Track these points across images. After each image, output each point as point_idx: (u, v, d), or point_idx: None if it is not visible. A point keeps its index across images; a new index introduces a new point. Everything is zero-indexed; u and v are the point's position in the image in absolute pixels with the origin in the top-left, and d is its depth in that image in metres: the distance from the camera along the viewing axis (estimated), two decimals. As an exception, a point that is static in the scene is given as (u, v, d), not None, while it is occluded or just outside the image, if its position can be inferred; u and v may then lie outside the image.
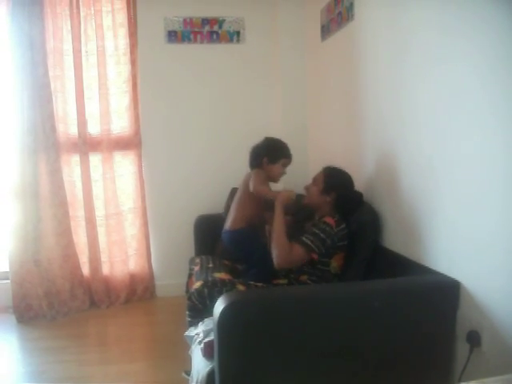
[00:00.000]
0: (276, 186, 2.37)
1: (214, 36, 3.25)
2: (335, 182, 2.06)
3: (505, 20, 1.32)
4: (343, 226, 1.99)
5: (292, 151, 2.33)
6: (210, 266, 2.35)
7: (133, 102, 3.16)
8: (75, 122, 3.08)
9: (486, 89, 1.40)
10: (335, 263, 2.00)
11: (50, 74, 2.98)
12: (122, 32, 3.11)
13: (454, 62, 1.54)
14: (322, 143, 2.96)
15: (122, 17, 3.10)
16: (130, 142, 3.20)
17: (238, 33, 3.27)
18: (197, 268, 2.39)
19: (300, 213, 2.24)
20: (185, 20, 3.21)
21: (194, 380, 1.65)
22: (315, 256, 1.95)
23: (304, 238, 1.95)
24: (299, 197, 2.19)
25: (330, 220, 1.98)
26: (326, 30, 2.75)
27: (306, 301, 1.53)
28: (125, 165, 3.22)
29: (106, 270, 3.21)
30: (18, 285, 2.99)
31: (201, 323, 1.79)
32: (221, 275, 2.15)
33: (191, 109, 3.27)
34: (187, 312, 1.97)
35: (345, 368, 1.53)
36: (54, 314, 3.00)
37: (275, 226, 2.01)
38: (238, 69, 3.30)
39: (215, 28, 3.25)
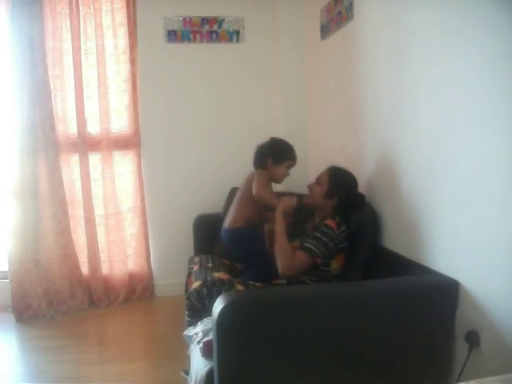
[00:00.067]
0: (277, 186, 2.37)
1: (214, 35, 3.25)
2: (340, 186, 2.03)
3: (505, 20, 1.31)
4: (344, 227, 1.98)
5: (292, 151, 2.32)
6: (209, 265, 2.35)
7: (132, 101, 3.16)
8: (75, 122, 3.07)
9: (486, 89, 1.40)
10: (336, 264, 2.00)
11: (50, 73, 2.98)
12: (122, 31, 3.11)
13: (453, 61, 1.53)
14: (321, 143, 2.96)
15: (121, 16, 3.10)
16: (130, 142, 3.20)
17: (238, 32, 3.27)
18: (196, 267, 2.39)
19: (300, 212, 2.23)
20: (184, 19, 3.21)
21: (193, 379, 1.65)
22: (319, 260, 1.95)
23: (307, 244, 1.93)
24: (300, 196, 2.18)
25: (331, 223, 1.97)
26: (326, 30, 2.75)
27: (304, 300, 1.53)
28: (124, 164, 3.22)
29: (105, 269, 3.21)
30: (17, 284, 2.99)
31: (200, 323, 1.79)
32: (220, 275, 2.15)
33: (191, 108, 3.27)
34: (186, 312, 1.97)
35: (344, 368, 1.53)
36: (53, 313, 3.00)
37: (277, 234, 2.00)
38: (237, 68, 3.30)
39: (215, 27, 3.25)
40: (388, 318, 1.54)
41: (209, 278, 2.01)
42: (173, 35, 3.21)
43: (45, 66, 2.93)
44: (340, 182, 2.04)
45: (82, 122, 3.07)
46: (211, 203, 3.06)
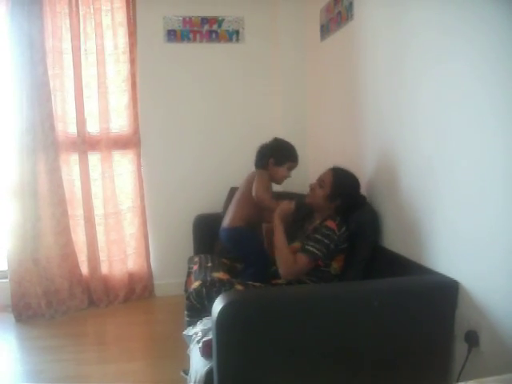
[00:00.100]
0: (277, 186, 2.37)
1: (214, 35, 3.25)
2: (343, 190, 2.02)
3: (505, 20, 1.32)
4: (344, 228, 1.98)
5: (292, 151, 2.32)
6: (209, 265, 2.34)
7: (132, 100, 3.16)
8: (74, 121, 3.07)
9: (485, 89, 1.40)
10: (336, 265, 2.00)
11: (49, 72, 2.97)
12: (122, 31, 3.10)
13: (453, 62, 1.54)
14: (321, 143, 2.96)
15: (121, 16, 3.09)
16: (129, 141, 3.20)
17: (238, 32, 3.26)
18: (195, 267, 2.39)
19: (299, 211, 2.23)
20: (184, 19, 3.21)
21: (193, 379, 1.65)
22: (321, 262, 1.95)
23: (308, 247, 1.93)
24: (300, 196, 2.18)
25: (331, 224, 1.96)
26: (326, 30, 2.75)
27: (304, 300, 1.53)
28: (124, 164, 3.22)
29: (104, 269, 3.21)
30: (16, 283, 2.99)
31: (199, 322, 1.79)
32: (219, 275, 2.14)
33: (190, 108, 3.27)
34: (185, 312, 1.97)
35: (343, 367, 1.53)
36: (52, 312, 3.00)
37: (276, 239, 2.00)
38: (237, 68, 3.29)
39: (214, 27, 3.24)
40: (388, 318, 1.54)
41: (208, 278, 2.01)
42: (172, 35, 3.21)
43: (44, 65, 2.93)
44: (343, 186, 2.03)
45: (81, 121, 3.07)
46: (211, 203, 3.06)
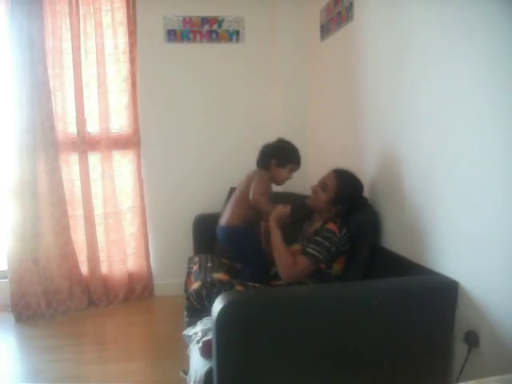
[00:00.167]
0: (277, 187, 2.37)
1: (214, 35, 3.25)
2: (346, 195, 2.01)
3: (505, 20, 1.32)
4: (345, 230, 1.97)
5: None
6: (209, 265, 2.34)
7: (132, 100, 3.16)
8: (74, 121, 3.07)
9: (485, 89, 1.40)
10: (337, 266, 1.99)
11: (49, 72, 2.98)
12: (122, 30, 3.11)
13: (453, 62, 1.54)
14: (321, 143, 2.96)
15: (121, 15, 3.09)
16: (129, 141, 3.20)
17: (238, 32, 3.27)
18: (195, 267, 2.39)
19: (299, 213, 2.23)
20: (184, 19, 3.21)
21: (192, 379, 1.65)
22: (323, 265, 1.94)
23: (309, 249, 1.92)
24: (301, 197, 2.17)
25: (332, 227, 1.96)
26: (326, 30, 2.75)
27: (304, 300, 1.53)
28: (124, 164, 3.22)
29: (104, 268, 3.21)
30: (16, 283, 2.99)
31: (199, 322, 1.79)
32: (219, 276, 2.14)
33: (190, 108, 3.27)
34: (185, 312, 1.97)
35: (343, 367, 1.53)
36: (52, 312, 3.00)
37: (273, 242, 2.00)
38: (237, 68, 3.29)
39: (214, 27, 3.24)
40: (387, 318, 1.54)
41: (208, 279, 2.01)
42: (172, 35, 3.21)
43: (44, 65, 2.93)
44: (347, 191, 2.02)
45: (81, 121, 3.07)
46: (211, 203, 3.06)
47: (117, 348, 2.57)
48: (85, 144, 3.09)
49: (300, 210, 2.21)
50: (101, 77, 3.07)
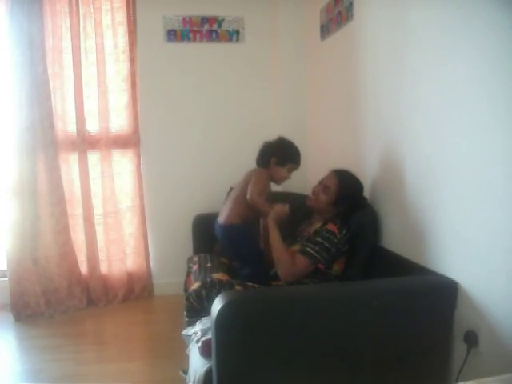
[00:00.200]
0: (276, 186, 2.37)
1: (214, 35, 3.25)
2: (348, 197, 2.01)
3: (505, 20, 1.32)
4: (345, 231, 1.97)
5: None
6: (208, 265, 2.33)
7: (131, 100, 3.16)
8: (74, 120, 3.07)
9: (485, 89, 1.40)
10: (337, 267, 1.99)
11: (49, 71, 2.97)
12: (122, 30, 3.10)
13: (453, 62, 1.54)
14: (321, 143, 2.96)
15: (121, 15, 3.09)
16: (129, 141, 3.20)
17: (238, 32, 3.26)
18: (195, 267, 2.38)
19: (298, 212, 2.23)
20: (184, 19, 3.20)
21: (192, 379, 1.65)
22: (321, 266, 1.94)
23: (308, 249, 1.92)
24: (300, 196, 2.17)
25: (333, 227, 1.96)
26: (326, 30, 2.75)
27: (304, 300, 1.53)
28: (123, 163, 3.22)
29: (103, 268, 3.21)
30: (15, 283, 2.99)
31: (198, 322, 1.79)
32: (219, 276, 2.13)
33: (190, 108, 3.27)
34: (185, 312, 1.97)
35: (342, 367, 1.53)
36: (51, 312, 3.00)
37: (272, 242, 2.00)
38: (237, 68, 3.29)
39: (214, 27, 3.24)
40: (387, 318, 1.54)
41: (208, 280, 2.00)
42: (172, 34, 3.20)
43: (44, 64, 2.93)
44: (348, 193, 2.01)
45: (81, 120, 3.07)
46: (210, 202, 3.06)
47: (116, 347, 2.57)
48: (84, 143, 3.09)
49: (300, 210, 2.21)
50: (100, 76, 3.07)
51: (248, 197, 2.17)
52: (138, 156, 3.22)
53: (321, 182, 2.09)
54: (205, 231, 2.83)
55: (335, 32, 2.59)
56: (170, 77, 3.22)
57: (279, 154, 2.24)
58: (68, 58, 3.04)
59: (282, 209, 2.06)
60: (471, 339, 1.49)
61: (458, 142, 1.53)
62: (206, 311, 1.75)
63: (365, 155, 2.27)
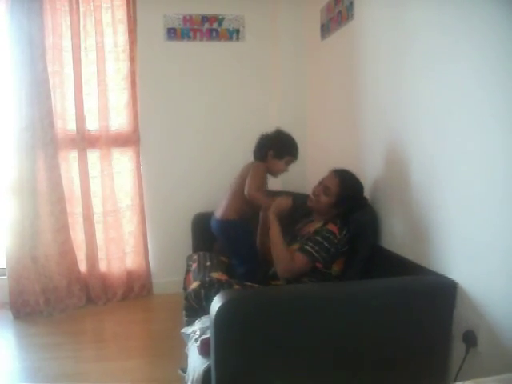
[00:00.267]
0: (275, 186, 2.36)
1: (214, 34, 3.25)
2: (349, 199, 2.00)
3: (505, 20, 1.32)
4: (345, 231, 1.97)
5: (291, 149, 2.31)
6: (208, 264, 2.33)
7: (131, 98, 3.15)
8: (73, 118, 3.06)
9: (485, 89, 1.40)
10: (337, 267, 1.99)
11: (49, 69, 2.97)
12: (122, 28, 3.10)
13: (454, 62, 1.54)
14: (321, 142, 2.96)
15: (121, 13, 3.09)
16: (129, 139, 3.20)
17: (238, 31, 3.26)
18: (194, 265, 2.38)
19: (298, 211, 2.22)
20: (184, 17, 3.20)
21: (190, 378, 1.65)
22: (320, 265, 1.94)
23: (307, 247, 1.92)
24: (299, 196, 2.16)
25: (333, 228, 1.95)
26: (326, 29, 2.74)
27: (303, 299, 1.53)
28: (123, 162, 3.21)
29: (103, 266, 3.21)
30: (14, 281, 2.98)
31: (197, 321, 1.79)
32: (218, 275, 2.13)
33: (190, 107, 3.27)
34: (184, 311, 1.97)
35: (341, 367, 1.53)
36: (50, 310, 3.00)
37: (272, 236, 1.99)
38: (237, 67, 3.29)
39: (215, 26, 3.24)
40: (386, 318, 1.54)
41: (207, 279, 2.00)
42: (173, 33, 3.20)
43: (44, 62, 2.92)
44: (349, 194, 2.00)
45: (80, 119, 3.07)
46: (210, 201, 3.04)
47: (115, 346, 2.57)
48: (84, 142, 3.08)
49: (299, 210, 2.20)
50: (100, 74, 3.07)
51: (246, 193, 2.16)
52: (138, 155, 3.22)
53: (321, 183, 2.07)
54: (204, 230, 2.82)
55: (335, 31, 2.59)
56: (170, 75, 3.22)
57: (276, 147, 2.23)
58: (68, 56, 3.03)
59: (284, 201, 2.04)
60: (470, 339, 1.49)
61: (459, 141, 1.52)
62: (204, 311, 1.75)
63: (365, 155, 2.27)
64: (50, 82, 2.97)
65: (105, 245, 3.20)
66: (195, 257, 2.50)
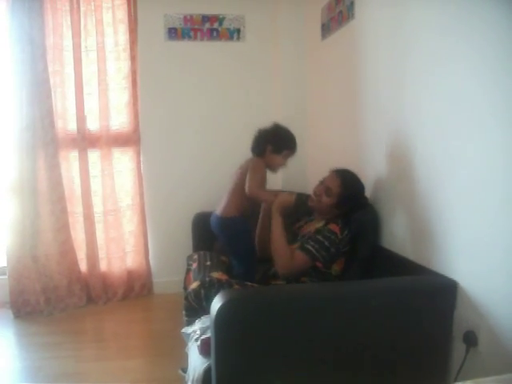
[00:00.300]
0: (275, 186, 2.36)
1: (214, 33, 3.25)
2: (350, 199, 1.99)
3: (504, 21, 1.31)
4: (346, 231, 1.97)
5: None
6: (208, 263, 2.33)
7: (132, 98, 3.16)
8: (74, 118, 3.06)
9: (485, 89, 1.40)
10: (337, 267, 1.99)
11: (50, 69, 2.97)
12: (122, 28, 3.10)
13: (454, 62, 1.53)
14: (321, 141, 2.96)
15: (122, 13, 3.09)
16: (129, 139, 3.20)
17: (239, 30, 3.26)
18: (195, 265, 2.38)
19: (299, 210, 2.21)
20: (185, 17, 3.20)
21: (191, 377, 1.65)
22: (320, 264, 1.94)
23: (308, 246, 1.92)
24: (300, 195, 2.14)
25: (335, 228, 1.95)
26: (327, 29, 2.74)
27: (303, 299, 1.53)
28: (123, 161, 3.21)
29: (103, 266, 3.21)
30: (15, 280, 2.99)
31: (198, 320, 1.79)
32: (218, 275, 2.12)
33: (190, 106, 3.27)
34: (184, 311, 1.97)
35: (341, 367, 1.53)
36: (51, 309, 3.00)
37: (273, 233, 1.98)
38: (237, 67, 3.29)
39: (215, 25, 3.24)
40: (386, 318, 1.54)
41: (207, 279, 1.99)
42: (173, 33, 3.20)
43: (45, 62, 2.92)
44: (350, 195, 1.99)
45: (81, 118, 3.07)
46: (210, 201, 3.03)
47: (115, 345, 2.57)
48: (85, 141, 3.08)
49: (300, 208, 2.19)
50: (101, 74, 3.07)
51: (247, 190, 2.15)
52: (139, 154, 3.22)
53: (322, 183, 2.06)
54: (205, 229, 2.81)
55: (336, 31, 2.59)
56: (171, 75, 3.22)
57: (275, 142, 2.22)
58: (69, 56, 3.03)
59: (288, 198, 2.03)
60: (470, 339, 1.49)
61: (459, 141, 1.52)
62: (204, 311, 1.75)
63: (366, 155, 2.26)
64: (51, 81, 2.97)
65: (105, 244, 3.20)
66: (195, 256, 2.50)
